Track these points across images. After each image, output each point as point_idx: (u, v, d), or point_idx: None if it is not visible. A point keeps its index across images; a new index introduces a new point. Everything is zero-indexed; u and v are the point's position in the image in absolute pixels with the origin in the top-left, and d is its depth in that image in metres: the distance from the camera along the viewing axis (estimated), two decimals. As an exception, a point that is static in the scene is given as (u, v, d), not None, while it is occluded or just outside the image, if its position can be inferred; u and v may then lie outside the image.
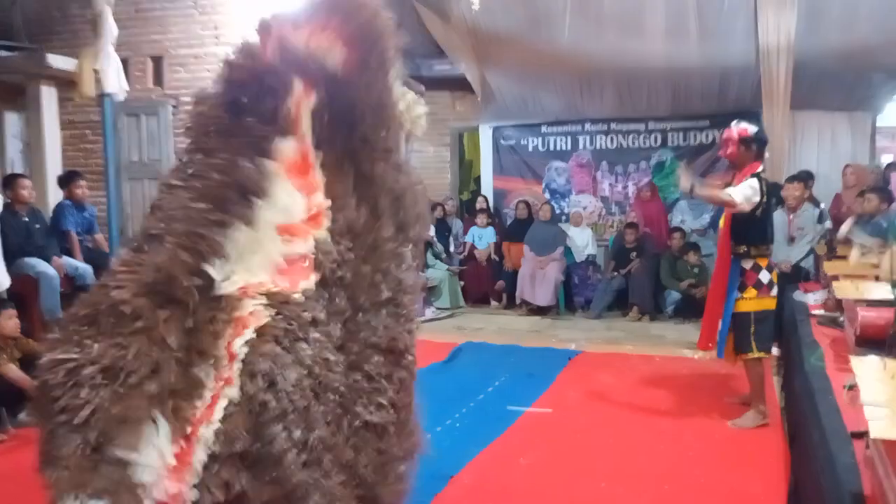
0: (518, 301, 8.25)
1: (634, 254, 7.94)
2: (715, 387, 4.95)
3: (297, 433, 1.79)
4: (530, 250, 8.18)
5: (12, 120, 7.27)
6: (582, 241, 8.53)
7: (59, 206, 6.16)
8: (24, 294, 5.27)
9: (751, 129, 4.21)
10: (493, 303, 8.56)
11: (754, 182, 4.08)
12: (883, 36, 6.87)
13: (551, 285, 7.99)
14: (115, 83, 4.66)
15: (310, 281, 2.03)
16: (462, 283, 8.65)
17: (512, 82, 8.92)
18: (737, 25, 7.31)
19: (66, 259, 5.77)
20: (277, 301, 1.90)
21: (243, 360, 1.76)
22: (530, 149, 9.43)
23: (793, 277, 6.18)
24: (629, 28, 7.55)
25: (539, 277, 8.01)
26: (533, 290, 8.04)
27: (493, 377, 5.26)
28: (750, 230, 4.15)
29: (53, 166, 6.90)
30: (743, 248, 4.13)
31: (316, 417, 1.88)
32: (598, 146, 9.19)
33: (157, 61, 7.20)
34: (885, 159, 9.45)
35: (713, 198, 4.31)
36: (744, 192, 4.05)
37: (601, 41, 7.70)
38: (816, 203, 6.96)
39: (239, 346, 1.78)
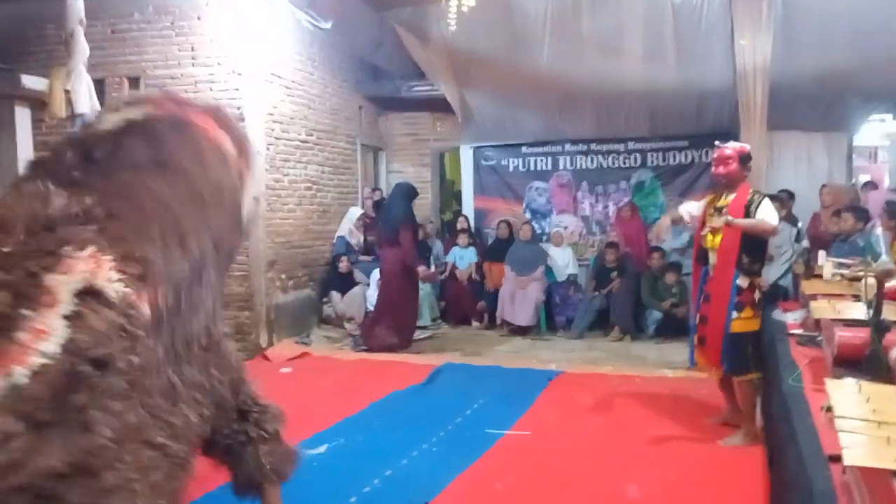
0: (499, 321, 8.20)
1: (615, 273, 7.93)
2: (696, 408, 4.92)
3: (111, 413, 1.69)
4: (511, 270, 8.15)
5: (-15, 141, 7.17)
6: (563, 260, 8.52)
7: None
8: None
9: (747, 146, 4.25)
10: (475, 323, 8.51)
11: (769, 202, 4.11)
12: (858, 59, 6.96)
13: (532, 305, 7.95)
14: (87, 103, 4.59)
15: None
16: (443, 303, 8.60)
17: (492, 103, 8.96)
18: (714, 48, 7.39)
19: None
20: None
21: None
22: (511, 169, 9.45)
23: (771, 296, 6.18)
24: (608, 50, 7.62)
25: (519, 297, 7.97)
26: (513, 310, 8.00)
27: (472, 399, 5.20)
28: (758, 249, 4.15)
29: (27, 188, 6.79)
30: (757, 266, 4.15)
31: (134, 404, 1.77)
32: (578, 166, 9.23)
33: (134, 82, 7.12)
34: (862, 179, 9.56)
35: (755, 227, 4.10)
36: (774, 215, 4.09)
37: (580, 63, 7.76)
38: (794, 222, 7.00)
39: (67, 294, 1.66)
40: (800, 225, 7.08)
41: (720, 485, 3.61)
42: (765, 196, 4.15)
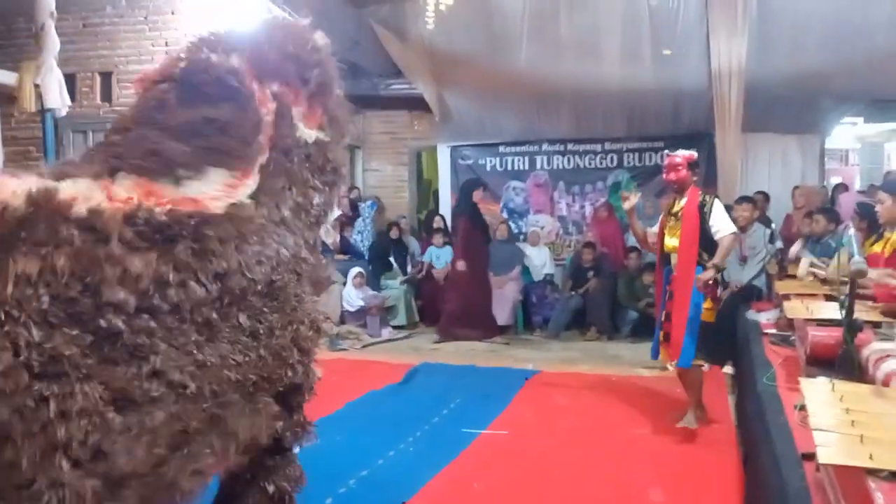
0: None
1: (592, 273, 7.96)
2: (671, 407, 4.94)
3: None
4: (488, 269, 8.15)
5: (-48, 135, 7.01)
6: (539, 260, 8.54)
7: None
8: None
9: (694, 154, 4.62)
10: (451, 323, 8.48)
11: (720, 205, 4.46)
12: (831, 61, 7.07)
13: (509, 304, 7.95)
14: (57, 98, 4.50)
15: None
16: (419, 302, 8.58)
17: (470, 102, 8.95)
18: (690, 50, 7.46)
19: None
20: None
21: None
22: (488, 168, 9.46)
23: (745, 296, 6.24)
24: (586, 51, 7.65)
25: (497, 297, 7.97)
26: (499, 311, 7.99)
27: (448, 399, 5.18)
28: (712, 245, 4.37)
29: (-5, 184, 6.66)
30: (714, 261, 4.34)
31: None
32: (555, 166, 9.26)
33: (106, 77, 7.01)
34: (834, 181, 9.70)
35: (728, 251, 4.48)
36: (727, 219, 4.45)
37: (558, 64, 7.79)
38: (768, 223, 7.07)
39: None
40: (773, 226, 7.15)
41: (695, 483, 3.63)
42: (715, 198, 4.49)
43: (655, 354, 4.66)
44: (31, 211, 1.63)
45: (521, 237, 9.10)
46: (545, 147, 9.26)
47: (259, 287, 2.11)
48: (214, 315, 1.94)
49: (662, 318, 4.52)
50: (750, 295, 6.36)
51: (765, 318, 5.41)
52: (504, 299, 7.95)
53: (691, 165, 4.48)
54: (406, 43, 8.23)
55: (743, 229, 6.56)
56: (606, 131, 8.92)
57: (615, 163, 9.06)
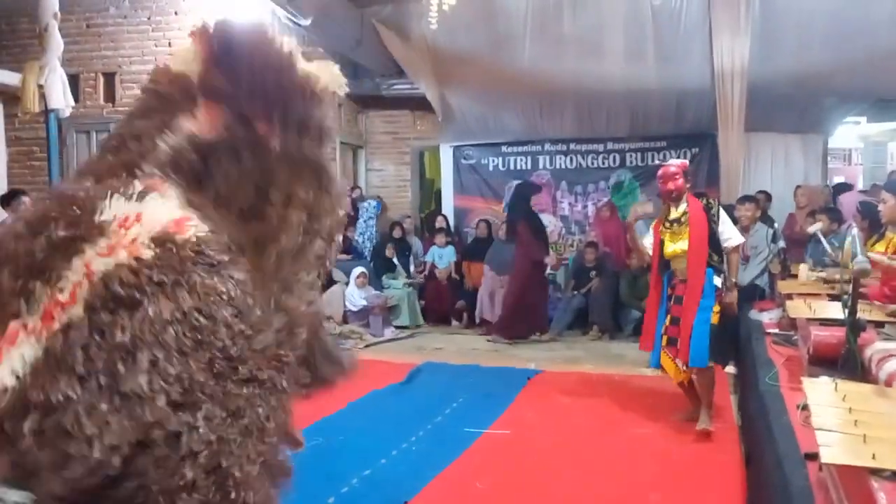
0: (478, 320, 8.20)
1: (594, 273, 7.96)
2: (673, 406, 4.94)
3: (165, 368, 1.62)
4: (490, 269, 8.14)
5: (-44, 136, 7.04)
6: (542, 260, 8.53)
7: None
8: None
9: (687, 161, 4.90)
10: (454, 322, 8.49)
11: (724, 213, 4.65)
12: (835, 60, 7.04)
13: (511, 305, 7.95)
14: (61, 99, 4.52)
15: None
16: (422, 302, 8.58)
17: (472, 102, 8.95)
18: (693, 49, 7.44)
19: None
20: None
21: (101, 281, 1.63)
22: (491, 168, 9.45)
23: (748, 296, 6.23)
24: (589, 50, 7.64)
25: (499, 297, 7.97)
26: (493, 310, 8.00)
27: (451, 398, 5.19)
28: (719, 245, 4.48)
29: (-1, 182, 6.69)
30: (733, 280, 4.55)
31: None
32: (557, 166, 9.25)
33: (110, 77, 7.04)
34: (837, 180, 9.69)
35: (738, 263, 4.74)
36: (734, 228, 4.67)
37: (561, 63, 7.78)
38: (770, 222, 7.06)
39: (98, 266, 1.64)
40: (776, 225, 7.14)
41: (698, 483, 3.63)
42: (719, 206, 4.65)
43: (656, 362, 4.60)
44: (157, 254, 1.67)
45: (524, 237, 9.08)
46: (548, 147, 9.25)
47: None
48: None
49: (667, 323, 4.50)
50: (752, 294, 6.35)
51: (767, 317, 5.41)
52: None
53: (686, 173, 4.56)
54: (408, 42, 8.23)
55: (746, 229, 6.57)
56: (609, 131, 8.91)
57: (618, 162, 9.05)
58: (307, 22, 7.62)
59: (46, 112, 4.54)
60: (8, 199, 6.07)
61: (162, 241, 1.70)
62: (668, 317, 4.50)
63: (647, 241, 4.78)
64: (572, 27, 7.54)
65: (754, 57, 7.14)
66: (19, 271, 1.62)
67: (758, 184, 7.90)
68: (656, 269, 4.70)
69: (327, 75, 2.23)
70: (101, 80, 7.05)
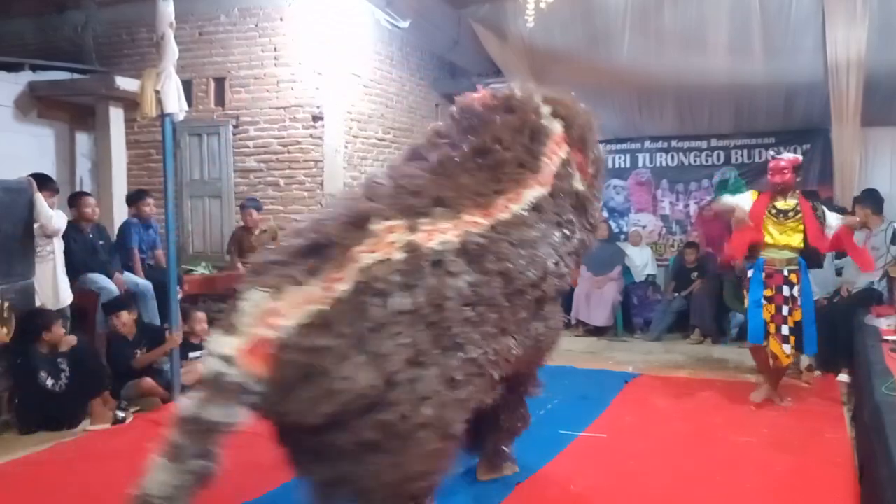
0: (573, 321, 8.10)
1: (696, 274, 7.72)
2: (778, 415, 4.74)
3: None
4: (587, 269, 8.02)
5: (83, 140, 7.54)
6: (641, 260, 8.35)
7: (125, 224, 6.34)
8: (84, 308, 5.44)
9: (799, 157, 5.11)
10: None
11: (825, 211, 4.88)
12: (962, 48, 6.56)
13: (608, 305, 7.82)
14: (175, 103, 4.76)
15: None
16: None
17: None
18: (804, 41, 7.11)
19: (127, 275, 5.93)
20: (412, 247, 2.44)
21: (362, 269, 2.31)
22: (588, 167, 9.32)
23: (865, 301, 5.88)
24: (691, 44, 7.42)
25: (596, 297, 7.86)
26: (589, 311, 7.89)
27: (546, 399, 5.12)
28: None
29: (119, 185, 7.12)
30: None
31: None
32: (657, 164, 9.05)
33: (220, 82, 7.37)
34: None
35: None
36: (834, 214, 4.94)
37: (662, 58, 7.59)
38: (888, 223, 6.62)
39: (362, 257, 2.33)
40: (894, 226, 6.69)
41: (804, 498, 3.45)
42: (823, 210, 4.91)
43: (759, 338, 4.81)
44: (406, 258, 2.39)
45: (622, 237, 8.93)
46: (647, 144, 9.06)
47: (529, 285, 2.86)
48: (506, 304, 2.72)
49: (773, 312, 4.76)
50: (869, 299, 5.98)
51: (885, 323, 5.11)
52: (603, 300, 7.83)
53: (796, 169, 4.79)
54: (505, 41, 8.23)
55: (870, 229, 6.20)
56: (713, 127, 8.64)
57: (722, 160, 8.76)
58: (406, 24, 7.76)
59: (162, 116, 4.79)
60: (133, 199, 6.48)
61: (413, 247, 2.41)
62: (773, 306, 4.76)
63: (732, 200, 5.02)
64: (673, 21, 7.35)
65: (872, 47, 6.75)
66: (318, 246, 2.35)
67: (875, 182, 7.44)
68: (746, 255, 4.91)
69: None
70: (212, 84, 7.39)
